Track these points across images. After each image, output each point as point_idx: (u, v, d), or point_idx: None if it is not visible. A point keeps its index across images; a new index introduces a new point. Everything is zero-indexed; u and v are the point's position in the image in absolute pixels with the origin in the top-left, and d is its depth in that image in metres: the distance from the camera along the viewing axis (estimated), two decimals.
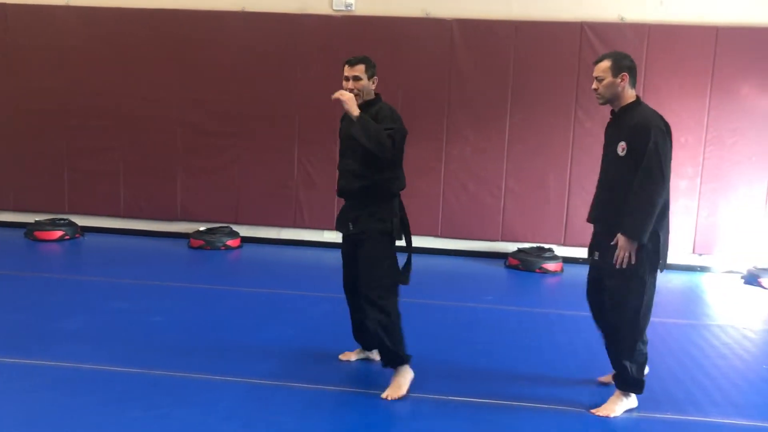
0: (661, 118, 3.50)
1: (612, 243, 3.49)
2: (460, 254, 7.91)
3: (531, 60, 7.63)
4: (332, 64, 7.73)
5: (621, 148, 3.51)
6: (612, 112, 3.74)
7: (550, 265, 7.31)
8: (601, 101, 3.68)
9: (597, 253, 3.71)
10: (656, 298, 6.65)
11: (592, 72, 3.70)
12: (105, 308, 5.18)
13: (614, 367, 3.66)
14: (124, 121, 8.16)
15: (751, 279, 7.13)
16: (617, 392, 3.66)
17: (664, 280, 7.11)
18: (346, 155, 3.89)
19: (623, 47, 7.45)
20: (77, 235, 8.01)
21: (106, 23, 8.07)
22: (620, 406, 3.62)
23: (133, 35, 8.05)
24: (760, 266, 7.20)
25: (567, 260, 7.63)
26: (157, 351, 4.26)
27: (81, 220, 8.26)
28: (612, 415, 3.57)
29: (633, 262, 3.43)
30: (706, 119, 7.39)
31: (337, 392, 3.75)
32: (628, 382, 3.60)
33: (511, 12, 7.68)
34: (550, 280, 7.05)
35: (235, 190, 8.15)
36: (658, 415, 3.63)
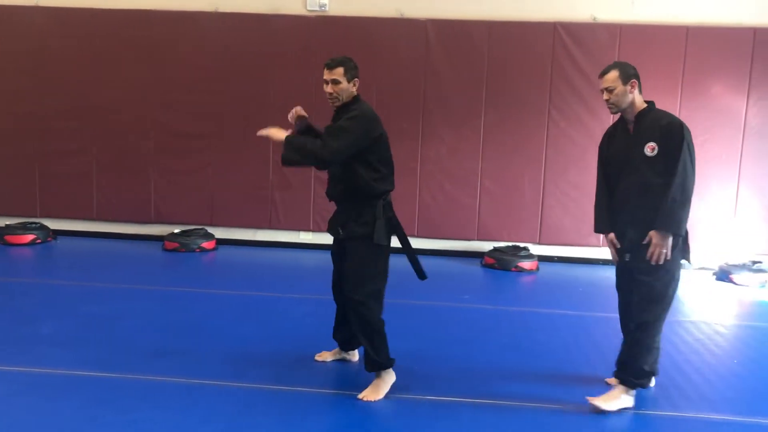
0: None
1: (645, 242, 3.55)
2: (437, 254, 7.93)
3: (505, 60, 7.68)
4: (306, 64, 7.74)
5: (650, 148, 3.59)
6: (621, 119, 3.81)
7: (526, 264, 7.35)
8: (614, 110, 3.74)
9: (628, 255, 3.74)
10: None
11: (600, 84, 3.76)
12: (78, 312, 5.12)
13: (626, 362, 3.68)
14: (97, 122, 8.06)
15: (723, 275, 7.25)
16: (621, 388, 3.69)
17: None
18: None
19: (596, 47, 7.56)
20: (49, 239, 7.89)
21: (78, 24, 7.97)
22: (619, 402, 3.65)
23: (105, 36, 7.96)
24: (731, 263, 7.33)
25: (542, 259, 7.69)
26: (132, 355, 4.21)
27: (53, 224, 8.14)
28: (607, 409, 3.60)
29: (669, 257, 3.51)
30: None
31: (314, 394, 3.74)
32: (641, 376, 3.64)
33: (484, 12, 7.71)
34: (525, 279, 7.10)
35: (210, 192, 8.10)
36: (639, 412, 3.67)
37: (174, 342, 4.50)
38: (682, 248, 3.62)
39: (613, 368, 3.76)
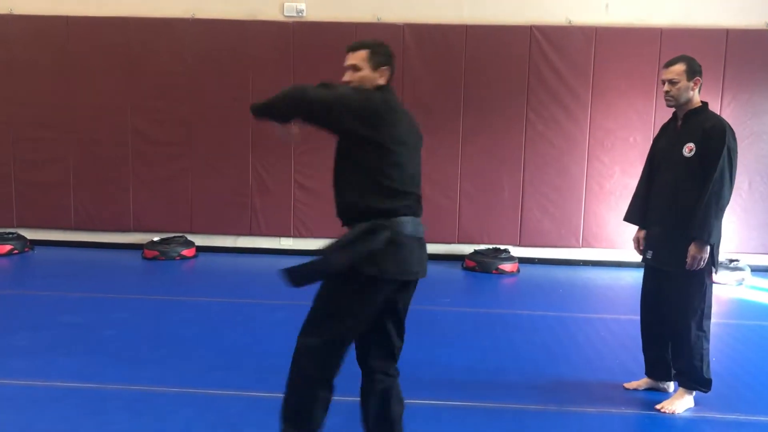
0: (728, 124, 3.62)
1: (684, 250, 3.56)
2: None
3: (482, 63, 7.71)
4: (284, 70, 7.73)
5: (688, 149, 3.60)
6: (674, 114, 3.81)
7: (507, 266, 7.38)
8: (671, 104, 3.70)
9: (650, 252, 3.77)
10: (609, 295, 6.79)
11: (663, 75, 3.71)
12: (56, 323, 5.06)
13: (680, 368, 3.72)
14: (74, 131, 7.99)
15: None
16: (681, 390, 3.74)
17: (615, 277, 7.30)
18: None
19: (571, 50, 7.62)
20: (26, 249, 7.80)
21: (53, 31, 7.90)
22: (683, 403, 3.70)
23: (81, 43, 7.89)
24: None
25: (523, 260, 7.73)
26: (111, 365, 4.17)
27: (30, 234, 8.05)
28: (676, 412, 3.65)
29: (703, 265, 3.54)
30: (653, 119, 7.55)
31: None
32: (699, 382, 3.68)
33: (461, 16, 7.75)
34: (506, 281, 7.13)
35: (189, 199, 8.05)
36: (614, 411, 3.69)
37: (154, 351, 4.47)
38: (710, 257, 3.62)
39: (593, 369, 3.79)
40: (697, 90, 3.68)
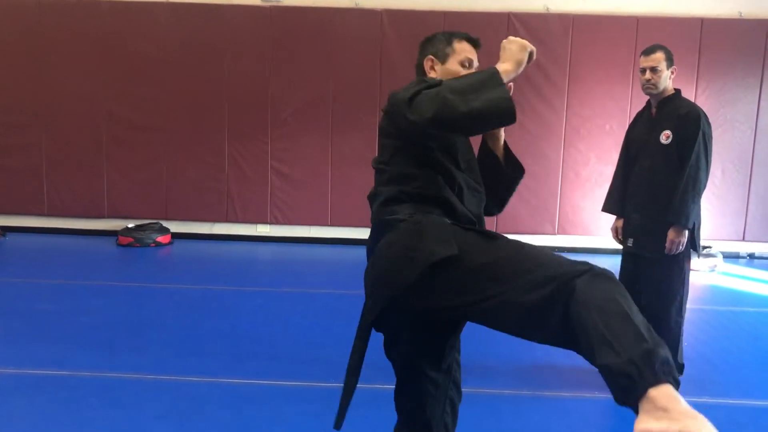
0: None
1: (664, 235, 3.60)
2: None
3: None
4: (261, 55, 7.67)
5: (665, 136, 3.64)
6: (648, 102, 3.84)
7: None
8: (652, 91, 3.71)
9: (631, 240, 3.80)
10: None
11: (643, 62, 3.71)
12: (29, 310, 5.00)
13: None
14: (47, 116, 7.88)
15: None
16: None
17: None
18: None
19: (549, 37, 7.64)
20: None
21: (25, 14, 7.76)
22: None
23: (53, 26, 7.77)
24: None
25: None
26: (85, 352, 4.13)
27: (2, 220, 7.94)
28: None
29: (682, 249, 3.58)
30: (629, 106, 7.61)
31: (272, 386, 3.72)
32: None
33: (439, 2, 7.73)
34: None
35: (164, 185, 7.98)
36: (587, 395, 3.74)
37: (128, 338, 4.44)
38: (689, 239, 3.68)
39: (568, 354, 3.81)
40: (671, 78, 3.73)
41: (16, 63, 7.82)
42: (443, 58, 2.32)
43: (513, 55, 2.07)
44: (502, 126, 2.20)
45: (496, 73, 1.98)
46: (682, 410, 1.54)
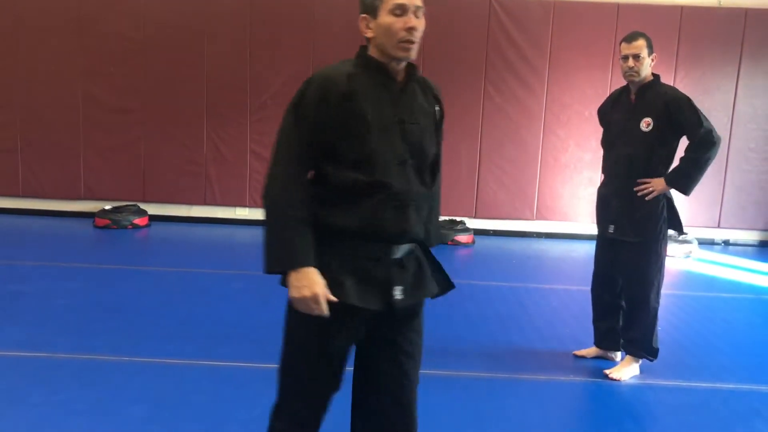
0: None
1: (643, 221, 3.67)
2: None
3: (441, 35, 7.67)
4: (241, 37, 7.59)
5: (645, 124, 3.65)
6: (626, 87, 3.84)
7: (462, 238, 7.45)
8: (636, 79, 3.71)
9: (612, 227, 3.81)
10: (561, 266, 6.90)
11: (624, 50, 3.70)
12: (3, 292, 4.94)
13: (631, 337, 3.82)
14: (22, 95, 7.76)
15: None
16: (628, 358, 3.84)
17: (568, 249, 7.43)
18: None
19: (530, 23, 7.64)
20: None
21: None
22: (629, 371, 3.80)
23: (29, 3, 7.62)
24: None
25: (478, 232, 7.81)
26: (61, 334, 4.10)
27: None
28: (623, 379, 3.75)
29: (649, 198, 3.63)
30: (608, 93, 7.62)
31: (250, 369, 3.72)
32: (647, 350, 3.78)
33: None
34: (462, 252, 7.20)
35: (142, 167, 7.90)
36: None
37: (105, 320, 4.40)
38: (668, 219, 3.72)
39: (544, 338, 3.86)
40: (652, 65, 3.75)
41: None
42: (374, 12, 2.00)
43: (298, 291, 1.89)
44: None
45: (267, 263, 1.94)
46: None
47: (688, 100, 3.64)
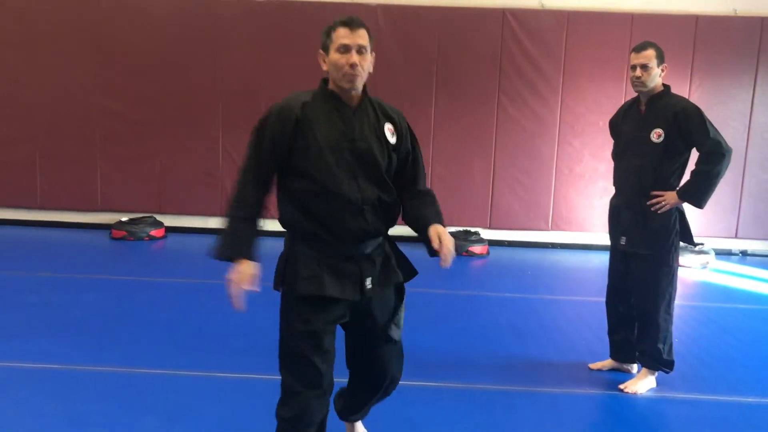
0: None
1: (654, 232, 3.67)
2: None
3: (455, 46, 7.70)
4: (254, 50, 7.65)
5: (656, 135, 3.64)
6: (637, 99, 3.83)
7: (477, 248, 7.43)
8: (641, 89, 3.71)
9: (624, 239, 3.81)
10: (576, 277, 6.86)
11: (633, 59, 3.71)
12: (21, 303, 4.99)
13: (644, 350, 3.79)
14: (39, 108, 7.83)
15: None
16: (644, 371, 3.81)
17: (583, 260, 7.39)
18: None
19: (544, 34, 7.64)
20: None
21: (17, 7, 7.71)
22: (645, 384, 3.78)
23: (44, 18, 7.72)
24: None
25: (492, 243, 7.78)
26: (76, 346, 4.13)
27: None
28: (639, 392, 3.73)
29: (661, 212, 3.63)
30: (623, 102, 7.60)
31: (265, 380, 3.72)
32: (662, 363, 3.76)
33: None
34: (476, 263, 7.18)
35: (158, 179, 7.96)
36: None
37: (120, 332, 4.43)
38: (680, 231, 3.71)
39: (560, 350, 3.85)
40: (661, 75, 3.72)
41: (9, 56, 7.77)
42: (327, 50, 2.43)
43: (229, 276, 2.42)
44: None
45: (215, 248, 2.49)
46: None
47: (697, 110, 3.61)
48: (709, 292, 6.40)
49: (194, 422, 3.19)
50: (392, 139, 2.47)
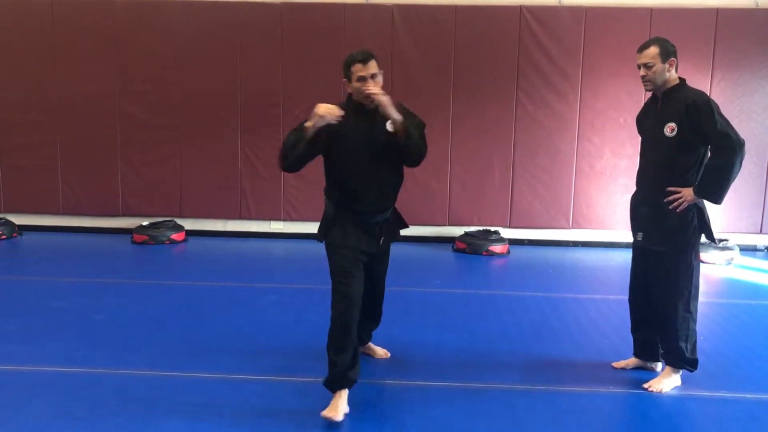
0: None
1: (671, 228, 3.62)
2: (409, 240, 7.89)
3: (472, 44, 7.67)
4: (273, 52, 7.68)
5: (669, 129, 3.61)
6: (654, 95, 3.80)
7: (497, 248, 7.39)
8: (649, 88, 3.71)
9: (641, 234, 3.78)
10: (598, 275, 6.80)
11: (637, 59, 3.71)
12: (44, 308, 5.04)
13: (667, 348, 3.76)
14: (60, 114, 7.92)
15: None
16: (668, 369, 3.78)
17: (605, 258, 7.32)
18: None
19: (561, 30, 7.59)
20: (14, 235, 7.76)
21: (38, 12, 7.80)
22: (670, 382, 3.74)
23: (66, 25, 7.80)
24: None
25: (513, 242, 7.74)
26: (100, 349, 4.16)
27: (18, 219, 8.00)
28: (663, 391, 3.69)
29: (680, 209, 3.58)
30: (643, 99, 7.52)
31: (287, 382, 3.73)
32: (685, 361, 3.72)
33: None
34: (496, 262, 7.14)
35: (179, 183, 8.01)
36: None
37: (142, 335, 4.46)
38: (699, 227, 3.66)
39: (582, 349, 3.81)
40: (673, 70, 3.67)
41: (31, 62, 7.86)
42: (349, 79, 3.46)
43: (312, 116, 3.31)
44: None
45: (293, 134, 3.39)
46: None
47: (708, 102, 3.53)
48: (734, 288, 6.31)
49: (216, 425, 3.20)
50: (390, 128, 3.44)
